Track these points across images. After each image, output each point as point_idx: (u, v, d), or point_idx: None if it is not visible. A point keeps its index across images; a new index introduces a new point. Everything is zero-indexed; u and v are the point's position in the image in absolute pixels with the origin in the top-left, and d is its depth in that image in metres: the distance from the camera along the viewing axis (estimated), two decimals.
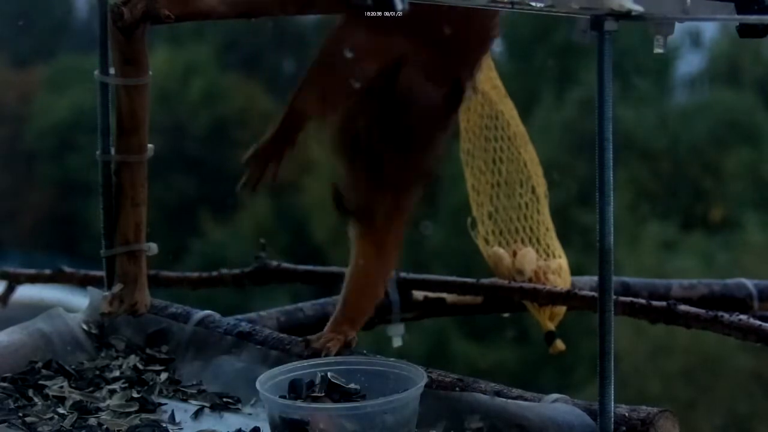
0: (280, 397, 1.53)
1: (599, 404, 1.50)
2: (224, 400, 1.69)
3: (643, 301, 2.00)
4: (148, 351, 1.82)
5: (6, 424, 1.59)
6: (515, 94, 2.24)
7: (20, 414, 1.63)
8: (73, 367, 1.77)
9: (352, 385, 1.56)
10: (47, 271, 2.62)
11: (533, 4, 1.48)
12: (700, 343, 7.76)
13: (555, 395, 1.58)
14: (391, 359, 1.60)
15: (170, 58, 9.98)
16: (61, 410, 1.65)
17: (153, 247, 1.91)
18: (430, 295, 2.24)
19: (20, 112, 10.74)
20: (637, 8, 1.42)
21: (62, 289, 3.26)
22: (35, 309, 1.90)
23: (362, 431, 1.46)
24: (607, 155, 1.47)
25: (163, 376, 1.76)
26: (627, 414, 1.52)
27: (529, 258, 2.18)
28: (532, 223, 2.21)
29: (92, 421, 1.62)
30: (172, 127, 9.72)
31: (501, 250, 2.19)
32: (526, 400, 1.57)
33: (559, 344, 2.17)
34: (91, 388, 1.72)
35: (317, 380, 1.56)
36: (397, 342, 2.24)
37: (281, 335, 1.78)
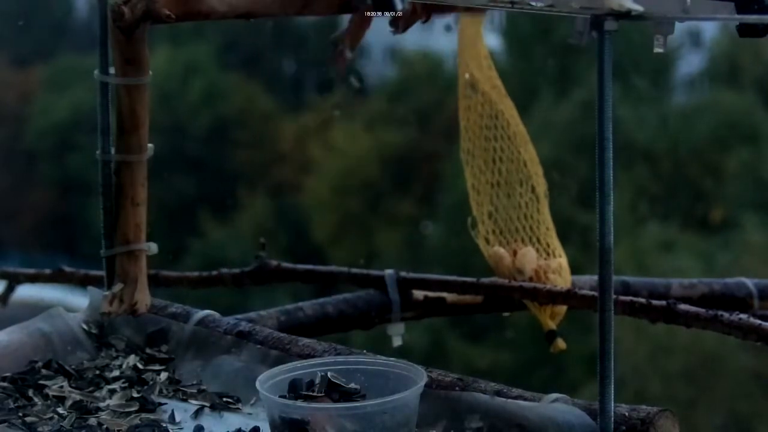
0: (280, 396, 1.53)
1: (599, 404, 1.50)
2: (224, 399, 1.69)
3: (643, 300, 2.00)
4: (148, 350, 1.82)
5: (6, 424, 1.59)
6: (515, 93, 2.24)
7: (20, 414, 1.63)
8: (73, 366, 1.77)
9: (352, 385, 1.56)
10: (47, 271, 2.62)
11: (533, 3, 1.49)
12: (699, 343, 7.76)
13: (555, 395, 1.58)
14: (392, 359, 1.60)
15: (170, 58, 9.99)
16: (61, 410, 1.65)
17: (153, 247, 1.91)
18: (430, 294, 2.24)
19: (20, 112, 10.74)
20: (637, 8, 1.42)
21: (62, 288, 3.26)
22: (35, 309, 1.90)
23: (362, 431, 1.46)
24: (607, 155, 1.47)
25: (163, 375, 1.76)
26: (627, 413, 1.52)
27: (529, 257, 2.18)
28: (532, 222, 2.21)
29: (92, 420, 1.62)
30: (172, 127, 9.73)
31: (501, 250, 2.19)
32: (526, 399, 1.57)
33: (560, 343, 2.17)
34: (91, 388, 1.72)
35: (317, 380, 1.56)
36: (397, 341, 2.24)
37: (281, 335, 1.78)
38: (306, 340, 1.76)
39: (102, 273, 1.91)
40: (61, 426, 1.60)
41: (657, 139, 9.35)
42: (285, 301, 2.25)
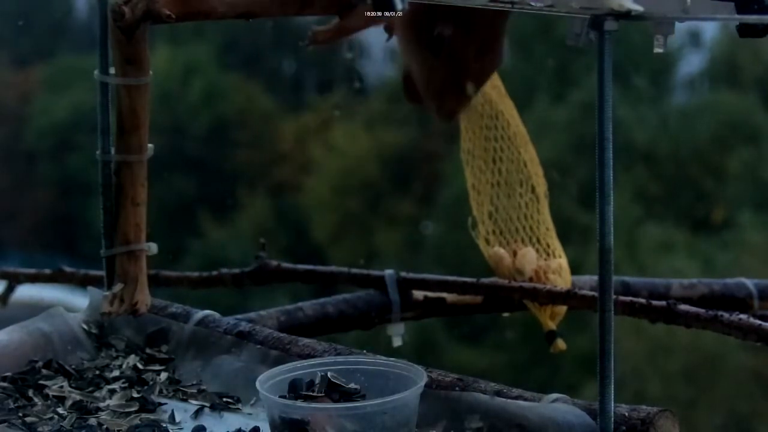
0: (280, 396, 1.53)
1: (599, 404, 1.50)
2: (224, 399, 1.69)
3: (643, 300, 2.00)
4: (148, 351, 1.82)
5: (6, 424, 1.59)
6: (515, 93, 2.24)
7: (20, 414, 1.63)
8: (73, 366, 1.77)
9: (352, 385, 1.56)
10: (47, 271, 2.62)
11: (533, 3, 1.49)
12: (699, 343, 7.76)
13: (555, 395, 1.58)
14: (392, 359, 1.60)
15: (170, 58, 9.99)
16: (61, 410, 1.65)
17: (153, 247, 1.91)
18: (430, 294, 2.24)
19: (20, 112, 10.74)
20: (637, 8, 1.42)
21: (62, 288, 3.26)
22: (35, 308, 1.90)
23: (362, 431, 1.46)
24: (607, 155, 1.47)
25: (163, 375, 1.76)
26: (627, 414, 1.52)
27: (529, 258, 2.18)
28: (532, 222, 2.21)
29: (92, 421, 1.62)
30: (172, 127, 9.73)
31: (501, 250, 2.19)
32: (526, 399, 1.57)
33: (560, 344, 2.17)
34: (91, 388, 1.72)
35: (317, 380, 1.56)
36: (397, 342, 2.24)
37: (281, 335, 1.78)
38: (306, 340, 1.76)
39: (102, 273, 1.91)
40: (61, 426, 1.60)
41: (657, 140, 9.35)
42: (285, 302, 2.25)
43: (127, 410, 1.65)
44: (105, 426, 1.60)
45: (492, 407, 1.54)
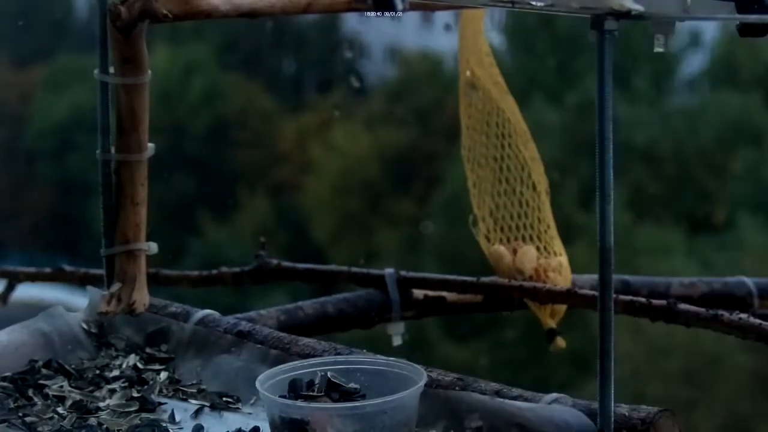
0: (280, 396, 1.53)
1: (599, 404, 1.50)
2: (224, 399, 1.69)
3: (643, 299, 2.00)
4: (147, 350, 1.82)
5: (6, 423, 1.59)
6: (516, 90, 2.24)
7: (20, 414, 1.63)
8: (73, 366, 1.77)
9: (352, 385, 1.56)
10: (47, 270, 2.62)
11: (533, 3, 1.48)
12: (698, 344, 7.76)
13: (555, 395, 1.58)
14: (392, 359, 1.60)
15: (170, 58, 9.99)
16: (61, 410, 1.65)
17: (153, 247, 1.91)
18: (430, 293, 2.24)
19: (20, 112, 10.74)
20: (638, 7, 1.42)
21: (62, 288, 3.26)
22: (35, 308, 1.90)
23: (362, 431, 1.46)
24: (607, 155, 1.47)
25: (163, 375, 1.76)
26: (627, 414, 1.52)
27: (529, 256, 2.18)
28: (532, 220, 2.21)
29: (92, 420, 1.62)
30: (172, 127, 9.72)
31: (502, 248, 2.19)
32: (525, 399, 1.57)
33: (560, 342, 2.17)
34: (91, 388, 1.72)
35: (317, 380, 1.56)
36: (396, 341, 2.24)
37: (281, 334, 1.77)
38: (306, 340, 1.76)
39: (102, 272, 1.91)
40: (61, 426, 1.60)
41: (658, 140, 9.35)
42: (285, 301, 2.25)
43: (127, 410, 1.65)
44: (105, 426, 1.60)
45: (491, 407, 1.54)
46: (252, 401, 1.68)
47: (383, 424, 1.46)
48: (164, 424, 1.62)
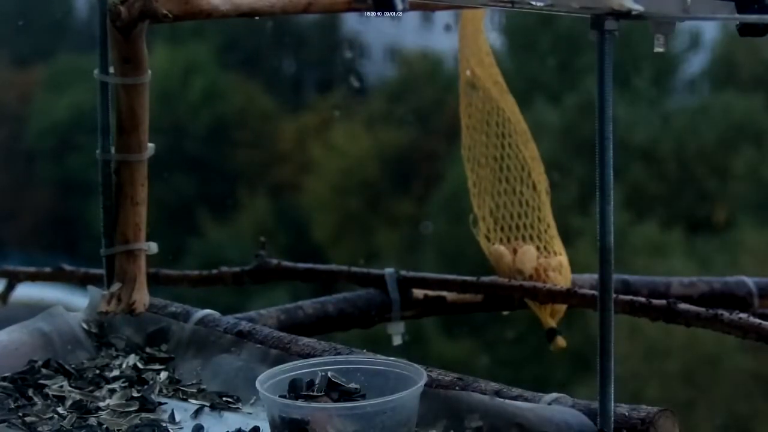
0: (280, 396, 1.53)
1: (599, 404, 1.50)
2: (224, 399, 1.69)
3: (643, 299, 2.00)
4: (147, 350, 1.82)
5: (6, 423, 1.59)
6: (516, 90, 2.24)
7: (20, 414, 1.63)
8: (73, 366, 1.77)
9: (352, 385, 1.56)
10: (47, 269, 2.62)
11: (533, 3, 1.48)
12: (697, 344, 7.76)
13: (555, 395, 1.58)
14: (392, 359, 1.60)
15: (170, 58, 9.99)
16: (61, 410, 1.65)
17: (153, 247, 1.91)
18: (430, 293, 2.24)
19: (20, 112, 10.74)
20: (638, 8, 1.42)
21: (62, 288, 3.26)
22: (35, 308, 1.90)
23: (362, 431, 1.46)
24: (608, 155, 1.47)
25: (163, 375, 1.76)
26: (627, 413, 1.52)
27: (529, 256, 2.18)
28: (533, 220, 2.21)
29: (92, 420, 1.62)
30: (172, 127, 9.73)
31: (502, 248, 2.19)
32: (525, 399, 1.57)
33: (561, 341, 2.17)
34: (91, 388, 1.72)
35: (317, 379, 1.56)
36: (396, 341, 2.24)
37: (281, 334, 1.77)
38: (306, 340, 1.75)
39: (102, 272, 1.91)
40: (61, 426, 1.60)
41: (658, 140, 9.35)
42: (285, 301, 2.25)
43: (127, 410, 1.65)
44: (105, 425, 1.60)
45: (491, 407, 1.54)
46: (252, 401, 1.68)
47: (383, 424, 1.46)
48: (164, 424, 1.62)
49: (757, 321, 1.87)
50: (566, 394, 1.58)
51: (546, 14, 1.51)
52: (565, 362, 7.02)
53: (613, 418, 1.50)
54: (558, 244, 2.20)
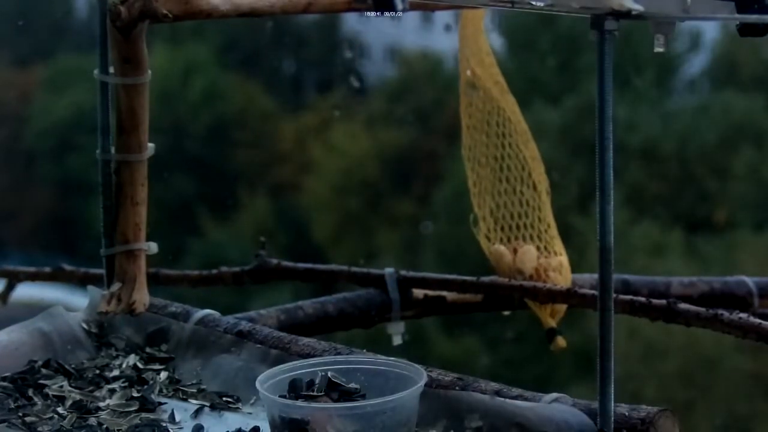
0: (280, 396, 1.53)
1: (599, 404, 1.50)
2: (224, 399, 1.69)
3: (643, 299, 2.00)
4: (147, 350, 1.82)
5: (6, 423, 1.59)
6: (516, 91, 2.24)
7: (20, 414, 1.63)
8: (73, 366, 1.77)
9: (352, 385, 1.56)
10: (47, 269, 2.62)
11: (533, 3, 1.48)
12: (696, 345, 7.76)
13: (555, 394, 1.58)
14: (392, 358, 1.60)
15: (170, 58, 9.99)
16: (60, 410, 1.65)
17: (153, 247, 1.91)
18: (430, 293, 2.24)
19: (20, 112, 10.74)
20: (638, 8, 1.42)
21: (62, 288, 3.26)
22: (35, 308, 1.90)
23: (362, 430, 1.46)
24: (608, 155, 1.47)
25: (163, 375, 1.76)
26: (627, 413, 1.52)
27: (529, 256, 2.18)
28: (533, 220, 2.21)
29: (92, 420, 1.62)
30: (172, 127, 9.73)
31: (502, 248, 2.19)
32: (525, 399, 1.57)
33: (561, 341, 2.17)
34: (91, 388, 1.72)
35: (317, 379, 1.56)
36: (396, 340, 2.24)
37: (281, 334, 1.77)
38: (306, 340, 1.76)
39: (102, 271, 1.91)
40: (61, 426, 1.60)
41: (658, 140, 9.35)
42: (285, 301, 2.25)
43: (126, 410, 1.65)
44: (105, 425, 1.60)
45: (491, 407, 1.54)
46: (252, 401, 1.68)
47: (383, 424, 1.46)
48: (164, 424, 1.62)
49: (757, 321, 1.87)
50: (566, 394, 1.58)
51: (546, 14, 1.51)
52: (565, 362, 7.03)
53: (613, 418, 1.50)
54: (558, 244, 2.20)
